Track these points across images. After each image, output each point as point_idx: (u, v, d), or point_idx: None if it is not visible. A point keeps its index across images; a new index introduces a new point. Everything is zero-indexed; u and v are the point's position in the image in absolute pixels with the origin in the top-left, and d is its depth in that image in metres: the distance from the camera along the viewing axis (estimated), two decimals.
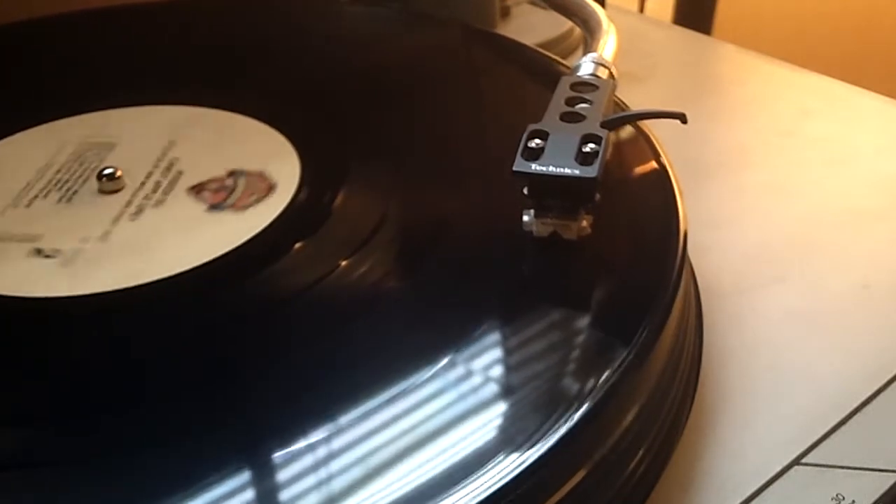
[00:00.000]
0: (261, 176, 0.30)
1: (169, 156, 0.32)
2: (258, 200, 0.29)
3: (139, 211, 0.30)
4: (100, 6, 0.44)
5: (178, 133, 0.34)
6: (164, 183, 0.31)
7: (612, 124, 0.28)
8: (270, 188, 0.30)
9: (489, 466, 0.20)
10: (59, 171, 0.32)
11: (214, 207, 0.29)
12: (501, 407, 0.22)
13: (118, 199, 0.30)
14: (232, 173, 0.31)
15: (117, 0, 0.44)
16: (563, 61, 0.37)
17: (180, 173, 0.31)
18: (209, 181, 0.31)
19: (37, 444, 0.22)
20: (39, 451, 0.22)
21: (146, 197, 0.30)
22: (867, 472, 0.25)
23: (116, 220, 0.29)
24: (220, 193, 0.30)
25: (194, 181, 0.31)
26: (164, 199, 0.30)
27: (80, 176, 0.31)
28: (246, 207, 0.29)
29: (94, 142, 0.33)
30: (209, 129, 0.34)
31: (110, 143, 0.33)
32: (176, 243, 0.28)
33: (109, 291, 0.26)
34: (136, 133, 0.34)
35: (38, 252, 0.28)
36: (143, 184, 0.31)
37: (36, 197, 0.31)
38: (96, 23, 0.44)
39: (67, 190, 0.31)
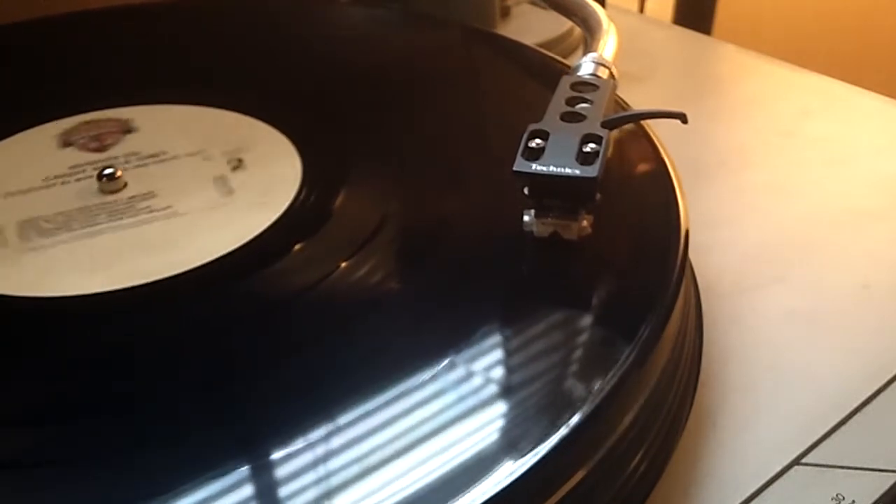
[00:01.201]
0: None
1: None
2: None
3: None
4: (100, 6, 0.44)
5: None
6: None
7: (613, 124, 0.28)
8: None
9: (490, 467, 0.20)
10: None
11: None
12: (502, 407, 0.22)
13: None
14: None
15: (117, 0, 0.44)
16: (564, 61, 0.37)
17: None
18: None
19: (36, 443, 0.22)
20: (38, 452, 0.22)
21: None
22: (867, 472, 0.25)
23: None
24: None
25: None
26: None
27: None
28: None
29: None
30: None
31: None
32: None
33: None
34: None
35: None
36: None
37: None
38: (96, 23, 0.44)
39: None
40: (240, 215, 0.29)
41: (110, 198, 0.30)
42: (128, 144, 0.33)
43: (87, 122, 0.34)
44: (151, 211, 0.30)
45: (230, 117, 0.34)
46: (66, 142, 0.33)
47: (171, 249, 0.28)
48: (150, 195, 0.30)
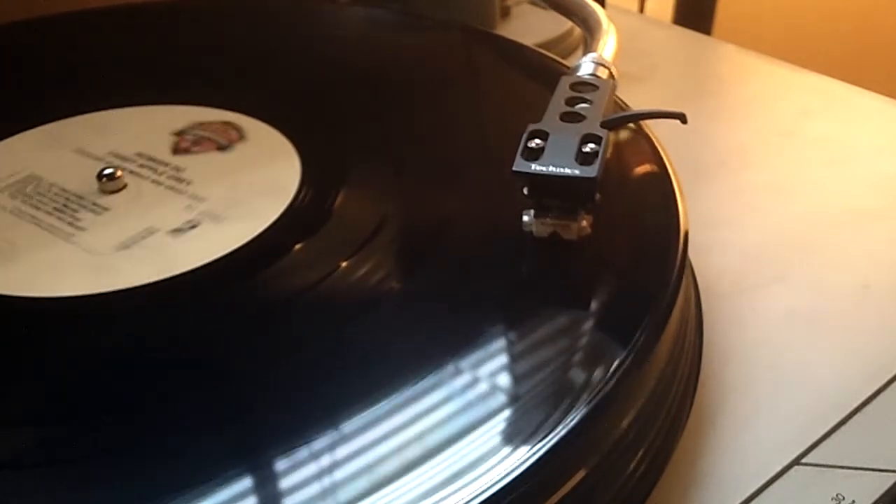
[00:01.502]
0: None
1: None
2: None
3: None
4: (100, 6, 0.44)
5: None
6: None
7: (612, 124, 0.28)
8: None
9: (489, 467, 0.20)
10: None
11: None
12: (502, 407, 0.22)
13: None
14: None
15: (117, 0, 0.44)
16: (563, 61, 0.37)
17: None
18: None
19: (35, 443, 0.22)
20: (39, 451, 0.22)
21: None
22: (867, 472, 0.25)
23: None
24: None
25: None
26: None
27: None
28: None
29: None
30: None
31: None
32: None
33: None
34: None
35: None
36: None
37: None
38: (96, 23, 0.44)
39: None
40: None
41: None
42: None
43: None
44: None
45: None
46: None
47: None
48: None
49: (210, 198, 0.30)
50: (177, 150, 0.33)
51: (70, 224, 0.29)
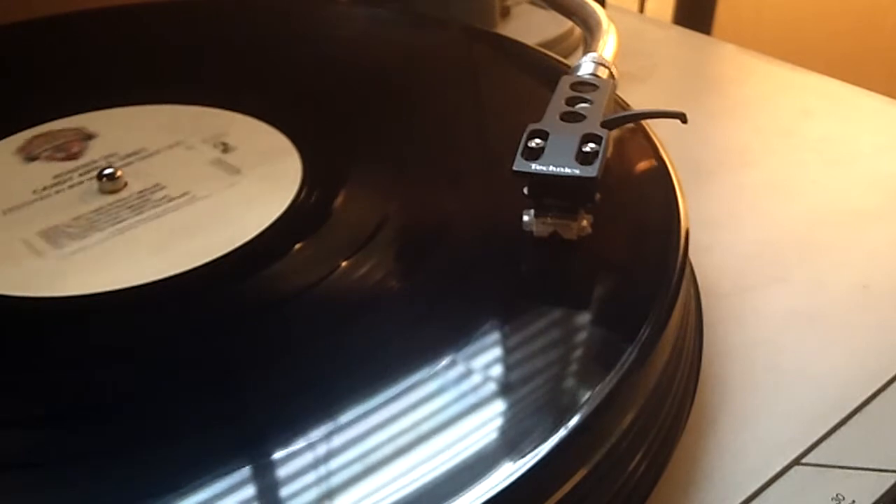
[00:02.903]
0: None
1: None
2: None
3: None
4: (100, 6, 0.44)
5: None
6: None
7: (613, 124, 0.28)
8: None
9: (490, 467, 0.20)
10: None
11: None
12: (502, 407, 0.22)
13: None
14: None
15: (117, 0, 0.44)
16: (564, 61, 0.37)
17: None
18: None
19: (35, 443, 0.22)
20: (37, 452, 0.22)
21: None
22: (867, 472, 0.25)
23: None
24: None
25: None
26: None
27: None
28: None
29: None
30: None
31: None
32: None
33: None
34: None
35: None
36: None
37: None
38: (96, 23, 0.44)
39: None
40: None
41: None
42: (102, 147, 0.33)
43: (39, 136, 0.34)
44: (171, 199, 0.30)
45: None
46: (28, 157, 0.33)
47: (213, 229, 0.28)
48: (157, 187, 0.31)
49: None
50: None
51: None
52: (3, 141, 0.34)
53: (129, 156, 0.33)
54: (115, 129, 0.34)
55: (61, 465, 0.21)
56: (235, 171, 0.31)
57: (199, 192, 0.30)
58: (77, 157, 0.33)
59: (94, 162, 0.32)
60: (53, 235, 0.29)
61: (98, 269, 0.27)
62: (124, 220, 0.29)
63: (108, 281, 0.26)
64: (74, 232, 0.29)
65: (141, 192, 0.30)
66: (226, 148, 0.33)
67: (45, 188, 0.31)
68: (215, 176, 0.31)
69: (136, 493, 0.20)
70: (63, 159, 0.32)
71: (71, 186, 0.31)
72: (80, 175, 0.32)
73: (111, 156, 0.33)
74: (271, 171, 0.31)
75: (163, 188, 0.31)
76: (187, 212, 0.29)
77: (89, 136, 0.34)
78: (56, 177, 0.32)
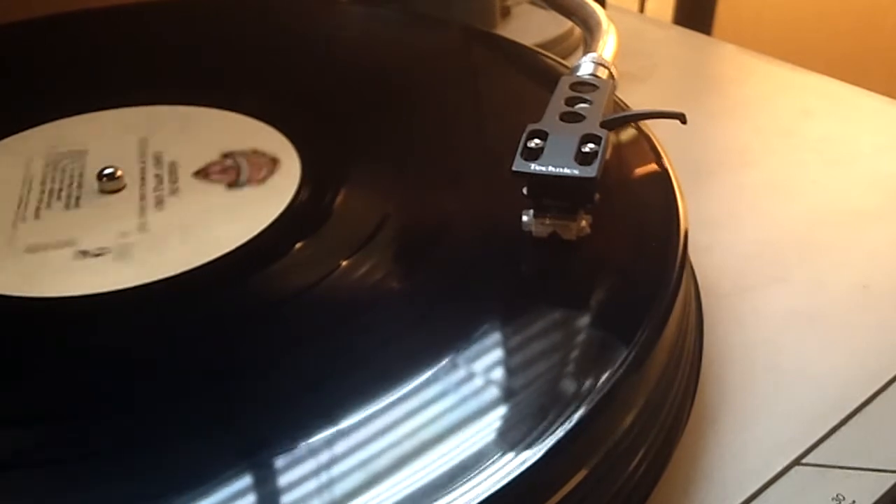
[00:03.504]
0: (256, 153, 0.31)
1: (164, 152, 0.32)
2: (269, 174, 0.30)
3: (160, 201, 0.30)
4: (100, 6, 0.44)
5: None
6: (165, 175, 0.31)
7: (612, 124, 0.28)
8: (274, 161, 0.30)
9: (489, 467, 0.20)
10: (47, 180, 0.32)
11: (232, 186, 0.30)
12: (502, 407, 0.22)
13: (129, 197, 0.30)
14: (226, 155, 0.31)
15: (117, 0, 0.44)
16: (563, 61, 0.37)
17: (176, 164, 0.32)
18: (210, 165, 0.31)
19: (33, 444, 0.22)
20: (37, 452, 0.22)
21: (156, 189, 0.30)
22: (867, 473, 0.25)
23: (143, 212, 0.29)
24: (230, 173, 0.30)
25: (194, 169, 0.31)
26: (177, 188, 0.30)
27: (76, 179, 0.31)
28: (264, 180, 0.30)
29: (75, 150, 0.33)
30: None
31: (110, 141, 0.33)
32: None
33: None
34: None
35: (85, 253, 0.27)
36: (143, 179, 0.31)
37: (38, 208, 0.30)
38: (95, 23, 0.44)
39: (69, 196, 0.31)
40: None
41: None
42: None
43: None
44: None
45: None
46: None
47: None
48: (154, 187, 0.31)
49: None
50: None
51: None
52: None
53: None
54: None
55: (61, 465, 0.21)
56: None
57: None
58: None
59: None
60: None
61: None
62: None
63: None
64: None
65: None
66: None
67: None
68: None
69: (133, 496, 0.20)
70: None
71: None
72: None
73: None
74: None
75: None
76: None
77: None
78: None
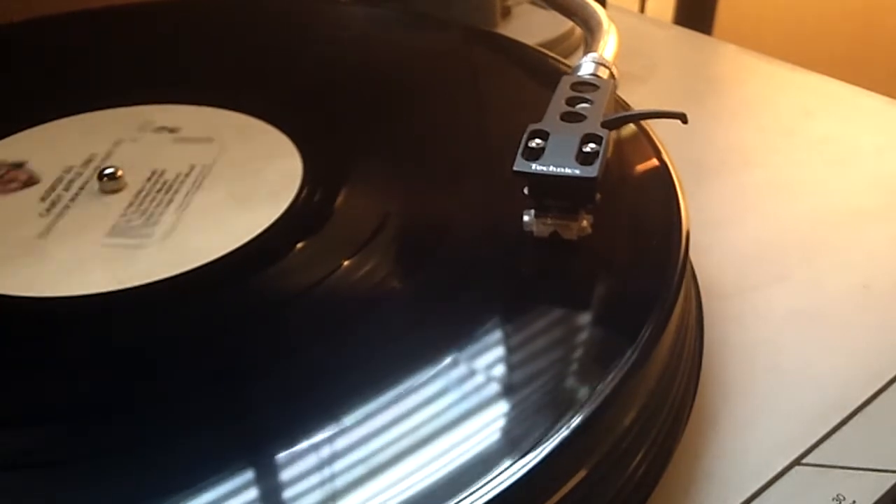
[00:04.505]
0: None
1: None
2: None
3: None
4: (100, 6, 0.44)
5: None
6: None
7: (613, 124, 0.28)
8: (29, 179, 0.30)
9: (491, 467, 0.20)
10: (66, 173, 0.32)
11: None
12: (503, 408, 0.22)
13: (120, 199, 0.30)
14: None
15: (117, 0, 0.44)
16: (564, 61, 0.37)
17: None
18: None
19: (33, 444, 0.22)
20: (37, 452, 0.22)
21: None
22: (868, 473, 0.25)
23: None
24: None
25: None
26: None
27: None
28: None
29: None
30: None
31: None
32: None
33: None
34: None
35: None
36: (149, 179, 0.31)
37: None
38: (95, 22, 0.44)
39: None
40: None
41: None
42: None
43: None
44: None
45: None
46: None
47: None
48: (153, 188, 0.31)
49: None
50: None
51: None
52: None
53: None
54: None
55: (63, 465, 0.21)
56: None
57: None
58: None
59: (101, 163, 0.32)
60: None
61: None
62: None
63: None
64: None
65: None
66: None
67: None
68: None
69: (137, 494, 0.20)
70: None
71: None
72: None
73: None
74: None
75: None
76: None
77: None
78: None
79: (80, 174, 0.32)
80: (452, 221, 0.29)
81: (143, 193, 0.30)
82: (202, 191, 0.30)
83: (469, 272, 0.27)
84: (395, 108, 0.36)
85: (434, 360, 0.23)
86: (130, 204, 0.30)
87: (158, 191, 0.31)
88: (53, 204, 0.30)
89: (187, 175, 0.31)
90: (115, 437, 0.22)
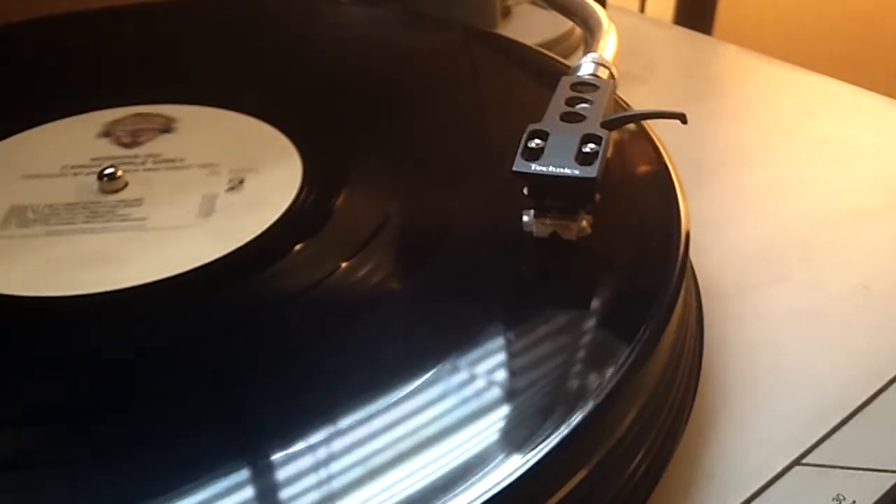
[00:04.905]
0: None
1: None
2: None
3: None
4: (100, 6, 0.44)
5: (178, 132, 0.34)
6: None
7: (613, 124, 0.28)
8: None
9: (491, 467, 0.20)
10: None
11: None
12: (502, 407, 0.22)
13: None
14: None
15: (117, 0, 0.44)
16: (564, 61, 0.37)
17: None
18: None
19: (33, 444, 0.22)
20: (37, 452, 0.22)
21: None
22: (868, 473, 0.25)
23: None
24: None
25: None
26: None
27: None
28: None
29: None
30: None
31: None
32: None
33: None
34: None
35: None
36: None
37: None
38: (96, 23, 0.44)
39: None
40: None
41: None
42: (158, 144, 0.33)
43: (131, 116, 0.35)
44: (125, 220, 0.29)
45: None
46: (106, 132, 0.34)
47: (114, 264, 0.27)
48: (136, 202, 0.30)
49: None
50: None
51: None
52: (104, 112, 0.35)
53: (166, 161, 0.33)
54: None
55: (61, 465, 0.21)
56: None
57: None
58: (135, 146, 0.33)
59: (136, 156, 0.32)
60: (13, 214, 0.30)
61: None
62: (73, 223, 0.29)
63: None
64: (30, 218, 0.29)
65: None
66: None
67: (73, 167, 0.32)
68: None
69: (134, 494, 0.20)
70: (124, 145, 0.33)
71: (89, 174, 0.31)
72: (110, 163, 0.32)
73: (153, 156, 0.33)
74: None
75: (138, 205, 0.30)
76: (185, 212, 0.29)
77: (168, 129, 0.34)
78: (94, 159, 0.32)
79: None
80: (452, 222, 0.29)
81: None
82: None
83: (469, 272, 0.27)
84: (394, 108, 0.36)
85: (433, 361, 0.23)
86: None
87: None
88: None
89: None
90: (114, 438, 0.22)
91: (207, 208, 0.29)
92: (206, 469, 0.20)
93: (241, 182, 0.31)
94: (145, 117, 0.35)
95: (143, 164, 0.32)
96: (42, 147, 0.33)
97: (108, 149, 0.33)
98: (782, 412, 0.27)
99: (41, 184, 0.31)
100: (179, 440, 0.22)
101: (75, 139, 0.34)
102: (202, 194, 0.30)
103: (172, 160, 0.32)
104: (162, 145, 0.33)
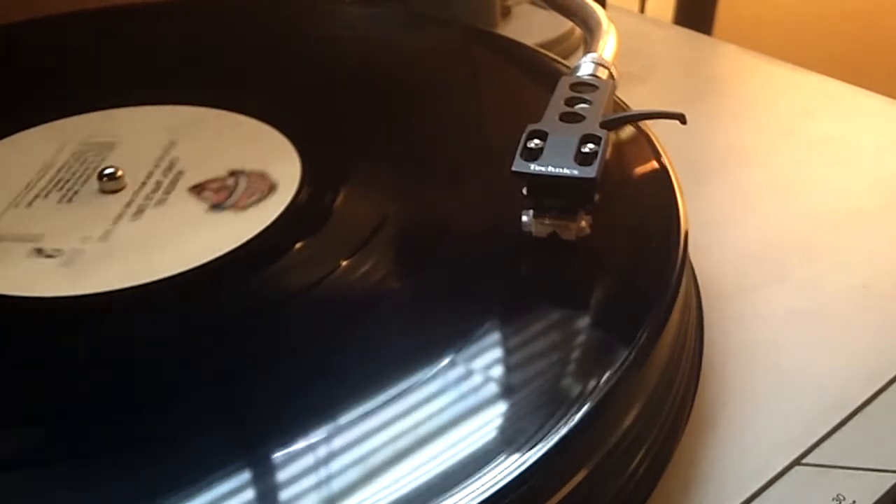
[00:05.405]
0: (262, 176, 0.30)
1: (170, 155, 0.32)
2: (259, 200, 0.29)
3: (140, 210, 0.30)
4: (99, 6, 0.44)
5: (179, 133, 0.34)
6: (165, 182, 0.31)
7: (612, 125, 0.28)
8: (271, 188, 0.30)
9: (490, 467, 0.20)
10: (59, 171, 0.32)
11: (216, 207, 0.29)
12: (502, 407, 0.22)
13: (119, 199, 0.30)
14: (233, 173, 0.31)
15: (117, 0, 0.44)
16: (564, 61, 0.37)
17: (181, 173, 0.31)
18: (210, 181, 0.31)
19: (33, 444, 0.22)
20: (37, 452, 0.22)
21: (147, 197, 0.30)
22: (868, 473, 0.25)
23: (117, 219, 0.29)
24: (222, 193, 0.30)
25: (195, 181, 0.31)
26: (166, 198, 0.30)
27: (80, 176, 0.31)
28: (247, 207, 0.29)
29: (95, 142, 0.33)
30: (210, 129, 0.34)
31: (111, 142, 0.33)
32: (177, 243, 0.28)
33: (109, 291, 0.26)
34: (137, 133, 0.34)
35: (39, 252, 0.28)
36: (143, 183, 0.31)
37: (37, 197, 0.31)
38: (97, 23, 0.44)
39: (68, 190, 0.31)
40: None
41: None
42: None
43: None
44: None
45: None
46: None
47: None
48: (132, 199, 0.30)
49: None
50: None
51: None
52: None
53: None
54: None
55: (62, 465, 0.21)
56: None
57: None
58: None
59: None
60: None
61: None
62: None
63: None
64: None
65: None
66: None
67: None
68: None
69: (136, 494, 0.20)
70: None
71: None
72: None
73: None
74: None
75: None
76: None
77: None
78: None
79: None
80: (452, 221, 0.29)
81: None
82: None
83: (468, 273, 0.27)
84: (394, 108, 0.36)
85: (433, 360, 0.23)
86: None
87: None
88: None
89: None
90: (113, 438, 0.22)
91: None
92: (207, 468, 0.20)
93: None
94: None
95: None
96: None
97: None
98: (782, 412, 0.27)
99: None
100: (179, 440, 0.22)
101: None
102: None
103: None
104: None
